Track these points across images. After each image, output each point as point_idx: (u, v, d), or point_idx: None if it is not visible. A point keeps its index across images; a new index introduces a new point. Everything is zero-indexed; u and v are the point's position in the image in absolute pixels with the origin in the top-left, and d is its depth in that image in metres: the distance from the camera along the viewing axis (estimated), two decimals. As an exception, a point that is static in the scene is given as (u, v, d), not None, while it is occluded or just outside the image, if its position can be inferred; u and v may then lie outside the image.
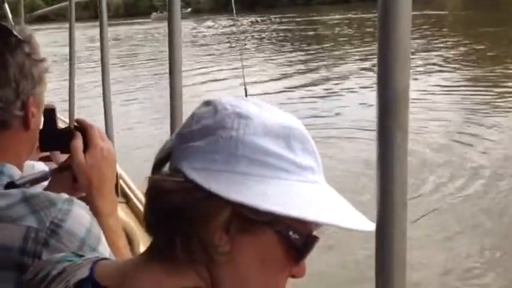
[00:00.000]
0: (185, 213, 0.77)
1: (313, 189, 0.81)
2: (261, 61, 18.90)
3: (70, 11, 4.54)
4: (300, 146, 0.81)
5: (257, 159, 0.79)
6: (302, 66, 17.60)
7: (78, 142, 1.28)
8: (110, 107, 3.48)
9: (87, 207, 1.15)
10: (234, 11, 3.69)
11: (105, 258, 0.91)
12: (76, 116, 3.81)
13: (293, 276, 0.84)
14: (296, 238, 0.80)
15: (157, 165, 0.86)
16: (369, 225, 0.82)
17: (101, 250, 1.10)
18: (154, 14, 59.42)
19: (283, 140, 0.80)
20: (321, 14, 45.33)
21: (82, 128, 1.31)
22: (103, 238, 1.13)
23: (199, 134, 0.81)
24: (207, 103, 0.85)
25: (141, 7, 67.48)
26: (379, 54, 0.88)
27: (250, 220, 0.77)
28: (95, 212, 1.20)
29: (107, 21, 3.45)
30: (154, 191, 0.81)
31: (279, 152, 0.79)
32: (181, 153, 0.82)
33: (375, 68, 0.90)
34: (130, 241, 1.94)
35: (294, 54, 21.25)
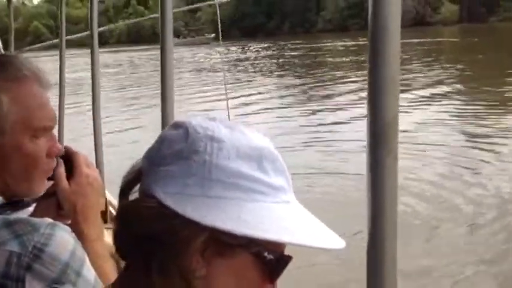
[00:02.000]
0: (162, 239, 0.77)
1: (287, 209, 0.81)
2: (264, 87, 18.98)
3: (60, 42, 4.59)
4: (271, 166, 0.82)
5: (231, 182, 0.79)
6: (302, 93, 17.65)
7: (61, 169, 1.29)
8: (100, 134, 3.50)
9: (71, 231, 1.15)
10: (220, 39, 3.99)
11: None
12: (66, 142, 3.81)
13: None
14: (271, 259, 0.81)
15: (126, 188, 0.86)
16: (340, 243, 0.82)
17: (85, 273, 1.10)
18: (175, 40, 59.59)
19: (255, 161, 0.81)
20: (322, 41, 45.69)
21: (68, 155, 1.32)
22: (87, 261, 1.13)
23: (172, 158, 0.81)
24: (177, 126, 0.85)
25: (143, 35, 68.24)
26: (370, 83, 0.90)
27: (227, 244, 0.78)
28: (81, 237, 1.20)
29: (98, 47, 3.49)
30: (128, 217, 0.81)
31: (252, 174, 0.80)
32: (153, 177, 0.81)
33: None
34: (119, 266, 1.94)
35: (293, 80, 21.38)
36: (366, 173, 0.92)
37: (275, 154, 0.84)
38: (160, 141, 0.84)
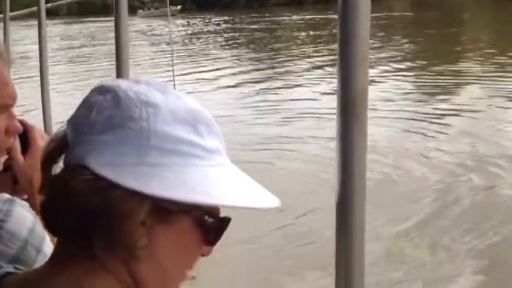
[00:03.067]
0: (103, 213, 0.74)
1: (224, 172, 0.81)
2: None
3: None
4: (206, 129, 0.80)
5: (169, 148, 0.77)
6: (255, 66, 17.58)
7: (16, 143, 1.25)
8: (49, 105, 3.42)
9: (29, 206, 1.13)
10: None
11: (13, 273, 0.86)
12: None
13: (202, 255, 0.85)
14: (212, 222, 0.81)
15: (49, 160, 0.82)
16: (275, 202, 0.82)
17: (45, 250, 1.08)
18: (141, 12, 58.63)
19: (190, 125, 0.79)
20: (277, 15, 45.56)
21: (23, 129, 1.29)
22: (47, 238, 1.11)
23: (103, 126, 0.77)
24: (104, 90, 0.80)
25: (96, 5, 66.47)
26: (340, 55, 0.91)
27: (168, 211, 0.77)
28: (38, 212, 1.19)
29: (45, 18, 3.43)
30: (60, 191, 0.77)
31: (189, 138, 0.78)
32: (84, 147, 0.77)
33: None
34: None
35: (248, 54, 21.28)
36: (336, 143, 0.94)
37: (209, 117, 0.82)
38: (87, 107, 0.79)
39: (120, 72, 1.95)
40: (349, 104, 0.91)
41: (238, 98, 11.99)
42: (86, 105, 0.80)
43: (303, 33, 28.90)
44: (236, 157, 0.87)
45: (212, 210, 0.82)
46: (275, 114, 10.48)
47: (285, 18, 42.37)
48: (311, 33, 28.17)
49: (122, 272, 0.79)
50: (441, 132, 8.66)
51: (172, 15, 50.69)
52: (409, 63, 15.17)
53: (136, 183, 0.74)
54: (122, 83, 0.80)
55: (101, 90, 0.80)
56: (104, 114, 0.77)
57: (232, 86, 13.35)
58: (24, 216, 1.09)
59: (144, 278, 0.80)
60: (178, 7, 54.21)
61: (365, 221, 0.95)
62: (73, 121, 0.80)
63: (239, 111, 10.67)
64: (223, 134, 0.84)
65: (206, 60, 16.76)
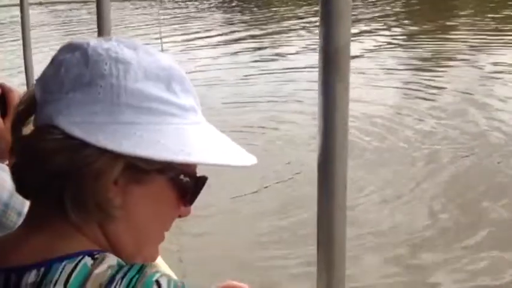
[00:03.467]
0: (75, 173, 0.73)
1: (199, 130, 0.80)
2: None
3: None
4: (180, 87, 0.79)
5: (142, 106, 0.75)
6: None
7: None
8: (32, 67, 3.37)
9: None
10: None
11: None
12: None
13: (179, 216, 0.85)
14: (187, 181, 0.80)
15: (18, 120, 0.80)
16: (251, 160, 0.82)
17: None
18: None
19: (164, 82, 0.77)
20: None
21: (2, 92, 1.28)
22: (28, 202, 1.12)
23: (73, 85, 0.75)
24: (72, 47, 0.78)
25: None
26: (321, 9, 0.90)
27: (143, 170, 0.76)
28: None
29: None
30: (30, 152, 0.75)
31: (162, 96, 0.77)
32: (54, 106, 0.75)
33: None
34: None
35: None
36: (318, 100, 0.93)
37: (182, 74, 0.81)
38: (56, 65, 0.77)
39: (101, 31, 1.92)
40: (331, 59, 0.91)
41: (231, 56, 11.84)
42: (55, 64, 0.78)
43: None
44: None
45: (188, 170, 0.81)
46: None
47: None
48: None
49: (96, 233, 0.78)
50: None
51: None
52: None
53: (107, 142, 0.73)
54: (91, 41, 0.78)
55: (69, 48, 0.78)
56: (73, 72, 0.75)
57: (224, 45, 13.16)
58: (5, 180, 1.09)
59: (119, 239, 0.79)
60: None
61: (347, 177, 0.95)
62: (41, 80, 0.78)
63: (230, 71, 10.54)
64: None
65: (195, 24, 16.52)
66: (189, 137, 0.78)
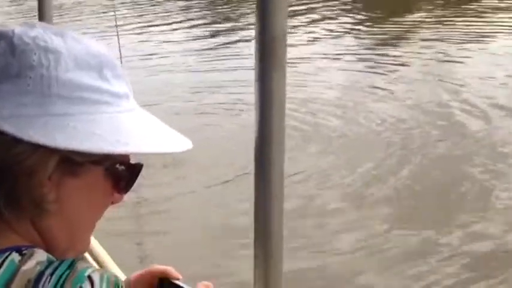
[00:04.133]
0: (7, 171, 0.71)
1: (133, 118, 0.79)
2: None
3: None
4: (112, 73, 0.77)
5: (74, 96, 0.73)
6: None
7: None
8: None
9: None
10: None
11: None
12: None
13: (112, 203, 0.84)
14: (123, 169, 0.80)
15: None
16: (187, 145, 0.81)
17: None
18: None
19: (95, 70, 0.75)
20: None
21: None
22: None
23: (0, 76, 0.72)
24: None
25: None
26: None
27: (77, 163, 0.74)
28: None
29: None
30: None
31: (95, 84, 0.75)
32: None
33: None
34: None
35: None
36: (254, 89, 0.93)
37: (113, 59, 0.79)
38: None
39: (42, 15, 1.87)
40: (267, 48, 0.90)
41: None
42: None
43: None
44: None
45: (123, 158, 0.80)
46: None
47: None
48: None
49: (28, 229, 0.76)
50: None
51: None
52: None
53: (39, 137, 0.71)
54: (16, 28, 0.75)
55: None
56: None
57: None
58: None
59: (53, 234, 0.78)
60: None
61: (284, 167, 0.95)
62: None
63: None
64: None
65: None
66: (124, 126, 0.76)
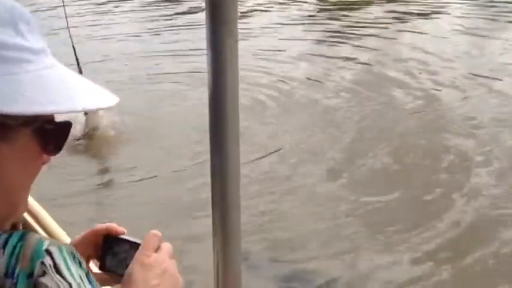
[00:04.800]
0: None
1: (58, 75, 0.76)
2: None
3: None
4: (27, 28, 0.74)
5: None
6: None
7: None
8: None
9: None
10: None
11: None
12: None
13: (43, 163, 0.82)
14: (53, 129, 0.77)
15: None
16: (114, 100, 0.79)
17: None
18: None
19: (11, 25, 0.72)
20: None
21: None
22: None
23: None
24: None
25: None
26: None
27: (8, 126, 0.72)
28: None
29: None
30: None
31: (14, 41, 0.71)
32: None
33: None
34: None
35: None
36: (207, 57, 0.90)
37: (26, 12, 0.75)
38: None
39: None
40: (218, 13, 0.88)
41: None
42: None
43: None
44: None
45: (51, 117, 0.77)
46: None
47: None
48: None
49: None
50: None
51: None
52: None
53: None
54: None
55: None
56: None
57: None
58: None
59: None
60: None
61: (239, 134, 0.94)
62: None
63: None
64: None
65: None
66: (51, 85, 0.74)
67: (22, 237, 0.72)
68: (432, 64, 7.68)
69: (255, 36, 9.01)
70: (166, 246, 0.93)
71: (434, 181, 4.93)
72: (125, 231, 0.99)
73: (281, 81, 7.30)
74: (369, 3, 10.91)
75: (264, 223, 4.43)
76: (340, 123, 6.12)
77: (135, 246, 0.93)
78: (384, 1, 11.02)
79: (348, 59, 8.08)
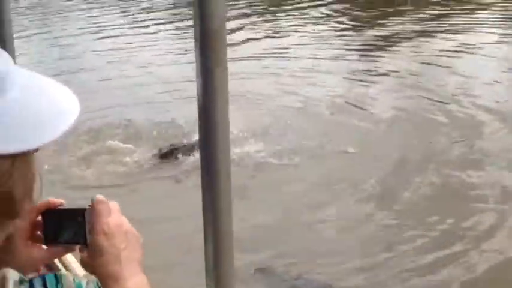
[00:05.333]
0: None
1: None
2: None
3: None
4: None
5: None
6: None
7: None
8: None
9: None
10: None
11: None
12: None
13: None
14: None
15: None
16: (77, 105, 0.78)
17: None
18: None
19: None
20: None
21: None
22: None
23: None
24: None
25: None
26: None
27: None
28: None
29: None
30: None
31: None
32: None
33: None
34: None
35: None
36: (196, 84, 0.91)
37: None
38: None
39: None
40: (207, 43, 0.88)
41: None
42: None
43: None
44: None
45: None
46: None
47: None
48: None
49: None
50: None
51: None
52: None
53: None
54: None
55: None
56: None
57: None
58: None
59: None
60: None
61: (229, 150, 0.93)
62: None
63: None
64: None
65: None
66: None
67: (58, 280, 0.76)
68: (473, 88, 7.54)
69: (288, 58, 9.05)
70: (115, 206, 0.94)
71: (476, 211, 4.82)
72: (64, 202, 0.98)
73: (315, 104, 7.30)
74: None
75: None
76: (378, 149, 6.06)
77: (80, 213, 0.93)
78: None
79: (384, 80, 8.03)
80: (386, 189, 5.28)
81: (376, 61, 8.89)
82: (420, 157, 5.79)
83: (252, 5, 12.93)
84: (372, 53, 9.38)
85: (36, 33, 11.48)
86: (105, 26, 11.85)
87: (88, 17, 13.07)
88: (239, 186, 4.77)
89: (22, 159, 0.74)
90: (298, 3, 12.78)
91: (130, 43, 10.51)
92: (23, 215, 0.78)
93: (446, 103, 7.06)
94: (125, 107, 7.31)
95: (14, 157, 0.72)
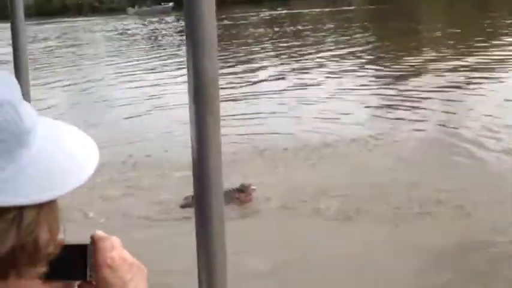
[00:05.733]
0: None
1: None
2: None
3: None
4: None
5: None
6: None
7: None
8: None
9: None
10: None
11: None
12: None
13: None
14: None
15: None
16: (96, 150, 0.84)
17: None
18: (131, 9, 56.98)
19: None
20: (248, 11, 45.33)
21: None
22: None
23: None
24: None
25: (54, 6, 65.30)
26: (187, 42, 0.91)
27: None
28: None
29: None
30: None
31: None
32: None
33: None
34: None
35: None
36: (190, 131, 0.93)
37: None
38: None
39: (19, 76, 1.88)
40: (200, 93, 0.91)
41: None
42: None
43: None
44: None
45: None
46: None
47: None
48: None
49: None
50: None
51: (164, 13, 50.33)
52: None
53: None
54: None
55: None
56: None
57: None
58: None
59: None
60: (170, 4, 53.43)
61: (222, 186, 0.95)
62: None
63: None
64: None
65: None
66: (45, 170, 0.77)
67: None
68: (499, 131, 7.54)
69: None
70: (117, 241, 0.95)
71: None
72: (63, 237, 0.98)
73: (346, 144, 7.35)
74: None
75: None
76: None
77: (82, 248, 0.92)
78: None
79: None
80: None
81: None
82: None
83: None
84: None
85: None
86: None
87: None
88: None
89: (48, 208, 0.78)
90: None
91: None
92: (44, 262, 0.80)
93: None
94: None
95: (40, 207, 0.76)
